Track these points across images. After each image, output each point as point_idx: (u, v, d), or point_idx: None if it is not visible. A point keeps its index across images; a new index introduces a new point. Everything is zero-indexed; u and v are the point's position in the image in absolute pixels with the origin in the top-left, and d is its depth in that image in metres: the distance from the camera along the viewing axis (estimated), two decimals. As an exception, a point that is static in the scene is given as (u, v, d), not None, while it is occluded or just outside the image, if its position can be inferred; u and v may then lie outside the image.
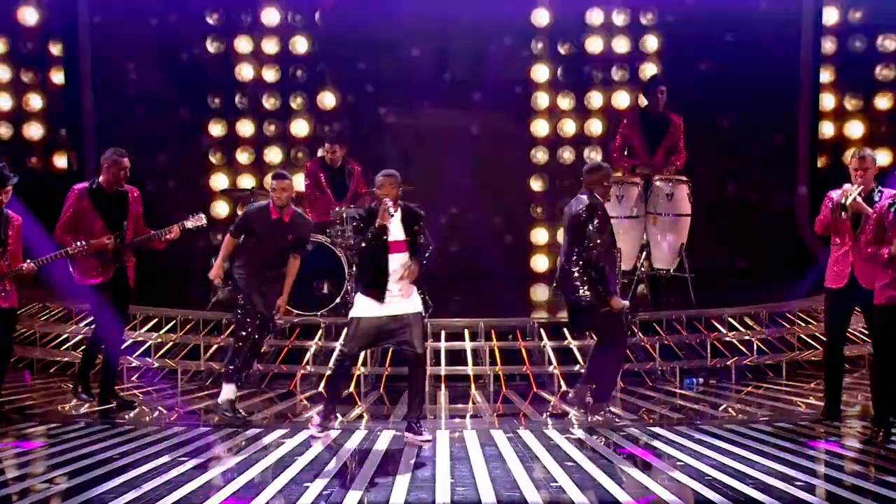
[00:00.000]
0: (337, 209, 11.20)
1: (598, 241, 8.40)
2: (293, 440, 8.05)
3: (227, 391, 8.72)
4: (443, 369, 10.19)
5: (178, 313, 11.21)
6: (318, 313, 10.69)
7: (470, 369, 10.33)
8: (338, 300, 10.86)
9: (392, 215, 7.83)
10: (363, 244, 7.90)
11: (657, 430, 8.32)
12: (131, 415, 8.99)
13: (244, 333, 8.78)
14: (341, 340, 8.04)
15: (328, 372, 9.82)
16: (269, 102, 14.43)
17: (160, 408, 9.36)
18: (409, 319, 7.90)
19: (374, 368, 10.33)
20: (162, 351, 10.83)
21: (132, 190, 9.15)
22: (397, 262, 7.89)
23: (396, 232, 7.91)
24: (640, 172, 11.48)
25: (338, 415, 8.12)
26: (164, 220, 9.20)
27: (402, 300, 7.90)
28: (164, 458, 7.41)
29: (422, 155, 14.30)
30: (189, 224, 9.09)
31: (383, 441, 7.98)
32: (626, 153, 11.72)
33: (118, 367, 9.62)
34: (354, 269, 11.04)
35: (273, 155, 14.43)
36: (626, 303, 8.60)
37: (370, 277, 7.93)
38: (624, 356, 9.05)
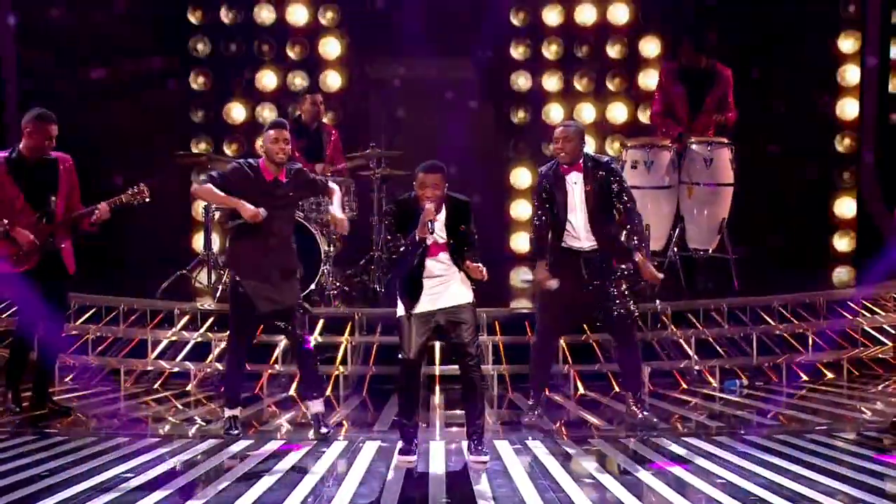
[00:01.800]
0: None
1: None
2: (258, 453, 8.03)
3: (228, 412, 8.62)
4: (437, 368, 10.18)
5: (120, 302, 11.16)
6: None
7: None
8: (312, 286, 10.82)
9: (432, 232, 7.58)
10: (393, 255, 7.76)
11: (693, 440, 8.31)
12: (65, 423, 8.95)
13: (230, 348, 8.61)
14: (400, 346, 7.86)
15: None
16: (229, 50, 14.37)
17: (99, 414, 9.33)
18: (460, 309, 7.73)
19: (355, 367, 10.32)
20: (102, 347, 10.79)
21: (63, 158, 8.98)
22: (435, 265, 7.69)
23: (438, 234, 7.66)
24: (685, 137, 11.43)
25: (417, 438, 7.83)
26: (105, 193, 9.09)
27: (450, 289, 7.71)
28: (104, 475, 7.38)
29: (412, 114, 14.28)
30: (126, 198, 8.97)
31: (366, 453, 7.96)
32: (665, 114, 11.67)
33: (54, 368, 9.57)
34: (332, 248, 11.14)
35: (236, 113, 14.35)
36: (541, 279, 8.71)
37: (403, 281, 7.78)
38: (537, 344, 9.00)
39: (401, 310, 7.76)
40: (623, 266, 8.65)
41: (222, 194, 8.42)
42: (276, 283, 8.43)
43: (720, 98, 11.57)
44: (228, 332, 8.78)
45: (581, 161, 8.63)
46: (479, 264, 7.62)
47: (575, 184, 8.62)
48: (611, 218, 8.66)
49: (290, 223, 8.63)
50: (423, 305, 7.70)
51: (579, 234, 8.61)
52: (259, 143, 8.55)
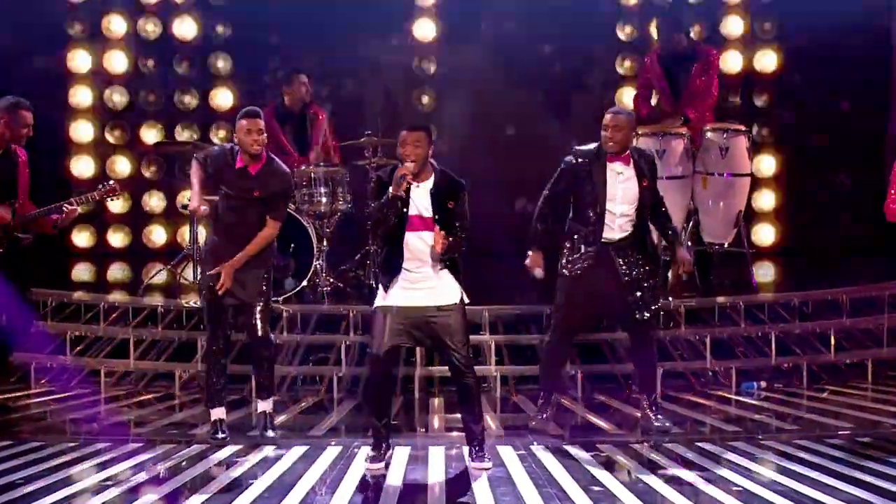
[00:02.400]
0: (303, 167, 11.16)
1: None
2: (247, 459, 8.03)
3: (213, 414, 8.64)
4: (436, 370, 10.17)
5: (100, 299, 11.15)
6: (280, 299, 10.64)
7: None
8: (304, 283, 10.82)
9: (409, 184, 7.51)
10: (370, 217, 7.70)
11: (707, 446, 8.31)
12: (40, 427, 8.96)
13: (207, 343, 8.66)
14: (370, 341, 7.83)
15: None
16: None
17: (78, 419, 9.32)
18: (447, 312, 7.70)
19: (350, 368, 10.31)
20: (80, 347, 10.78)
21: (20, 151, 9.04)
22: (418, 243, 7.64)
23: (422, 205, 7.62)
24: (665, 117, 11.41)
25: (389, 444, 7.88)
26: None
27: (435, 287, 7.69)
28: (83, 482, 7.38)
29: (410, 97, 14.28)
30: (98, 196, 9.00)
31: (362, 460, 7.95)
32: (648, 100, 11.71)
33: (9, 358, 9.58)
34: (325, 244, 11.13)
35: (221, 98, 14.34)
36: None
37: (383, 259, 7.79)
38: (553, 342, 8.95)
39: (378, 300, 7.75)
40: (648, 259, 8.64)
41: (194, 182, 8.55)
42: (237, 277, 8.42)
43: (703, 80, 11.48)
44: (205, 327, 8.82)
45: (628, 151, 8.60)
46: (444, 233, 7.52)
47: (620, 174, 8.55)
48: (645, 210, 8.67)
49: (254, 218, 8.47)
50: (403, 299, 7.66)
51: (613, 224, 8.56)
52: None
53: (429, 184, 7.66)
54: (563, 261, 8.72)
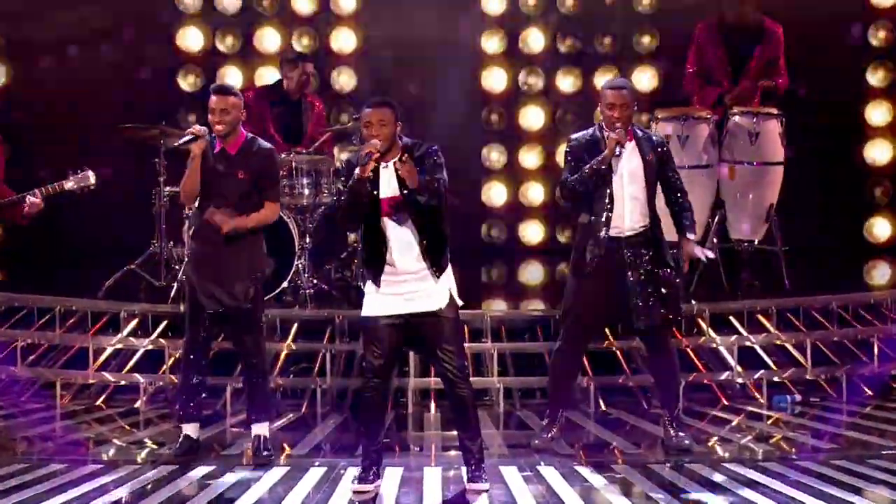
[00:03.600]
0: (283, 156, 11.14)
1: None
2: (222, 481, 8.01)
3: (185, 429, 8.67)
4: (432, 381, 10.15)
5: (56, 303, 11.13)
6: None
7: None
8: (285, 283, 10.81)
9: (377, 164, 7.50)
10: (339, 205, 7.67)
11: (735, 467, 8.30)
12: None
13: (183, 351, 8.69)
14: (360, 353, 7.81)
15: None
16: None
17: (31, 436, 9.32)
18: (436, 317, 7.67)
19: (335, 379, 10.30)
20: (34, 356, 10.77)
21: None
22: (394, 227, 7.62)
23: (392, 186, 7.62)
24: (725, 103, 11.38)
25: (379, 471, 7.83)
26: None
27: (423, 290, 7.67)
28: (36, 508, 7.35)
29: (404, 81, 14.28)
30: (70, 184, 8.95)
31: (348, 482, 7.94)
32: (702, 76, 11.65)
33: None
34: (308, 240, 11.11)
35: (232, 78, 14.33)
36: None
37: (366, 251, 7.78)
38: (562, 352, 8.90)
39: (365, 311, 7.74)
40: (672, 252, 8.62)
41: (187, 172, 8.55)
42: (221, 279, 8.47)
43: (769, 60, 11.50)
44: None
45: (630, 128, 8.56)
46: (408, 161, 7.47)
47: (624, 153, 8.55)
48: (655, 197, 8.64)
49: (240, 208, 8.51)
50: (390, 308, 7.66)
51: (623, 211, 8.51)
52: None
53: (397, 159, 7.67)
54: (573, 259, 8.69)
